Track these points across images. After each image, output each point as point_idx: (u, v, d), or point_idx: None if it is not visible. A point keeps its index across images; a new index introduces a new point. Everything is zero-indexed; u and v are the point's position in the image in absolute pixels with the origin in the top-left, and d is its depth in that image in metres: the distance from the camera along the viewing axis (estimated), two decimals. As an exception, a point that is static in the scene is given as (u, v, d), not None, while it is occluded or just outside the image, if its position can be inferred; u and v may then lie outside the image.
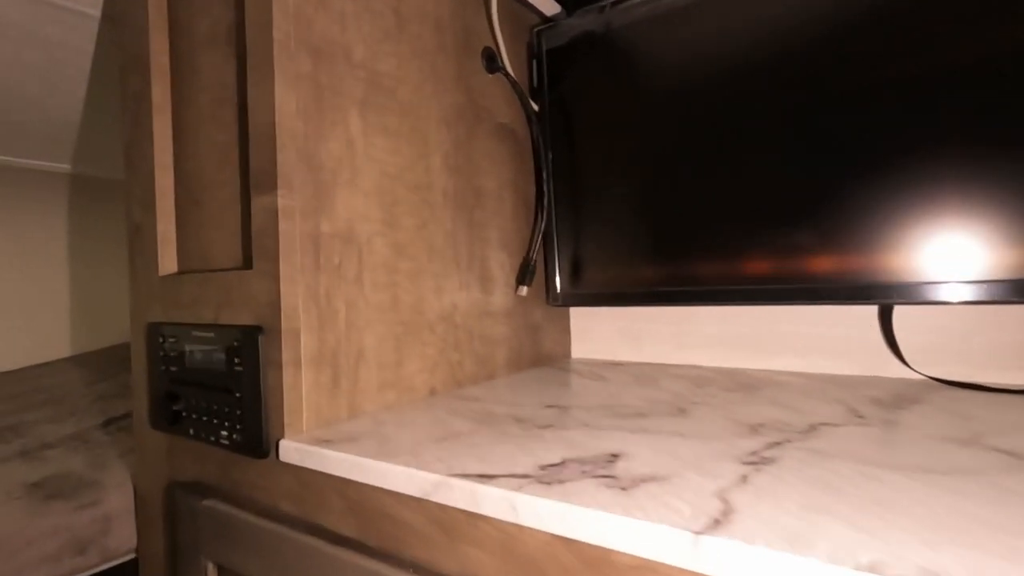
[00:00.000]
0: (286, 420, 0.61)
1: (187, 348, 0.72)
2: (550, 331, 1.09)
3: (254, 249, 0.63)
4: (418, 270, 0.78)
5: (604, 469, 0.47)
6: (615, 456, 0.50)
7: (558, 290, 1.03)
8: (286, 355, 0.61)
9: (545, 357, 1.07)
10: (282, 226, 0.61)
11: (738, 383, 0.81)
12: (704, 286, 0.87)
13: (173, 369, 0.74)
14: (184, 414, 0.72)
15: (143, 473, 0.82)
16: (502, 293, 0.95)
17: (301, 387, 0.62)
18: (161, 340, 0.75)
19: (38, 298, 2.05)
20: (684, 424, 0.60)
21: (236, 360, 0.65)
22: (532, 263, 0.96)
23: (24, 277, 2.02)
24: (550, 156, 0.99)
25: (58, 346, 2.10)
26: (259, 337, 0.62)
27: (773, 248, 0.81)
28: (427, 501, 0.49)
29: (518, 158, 1.00)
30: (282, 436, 0.61)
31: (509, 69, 0.95)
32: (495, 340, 0.93)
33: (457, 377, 0.84)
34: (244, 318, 0.65)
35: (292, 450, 0.58)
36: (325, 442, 0.58)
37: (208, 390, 0.69)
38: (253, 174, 0.63)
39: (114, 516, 0.83)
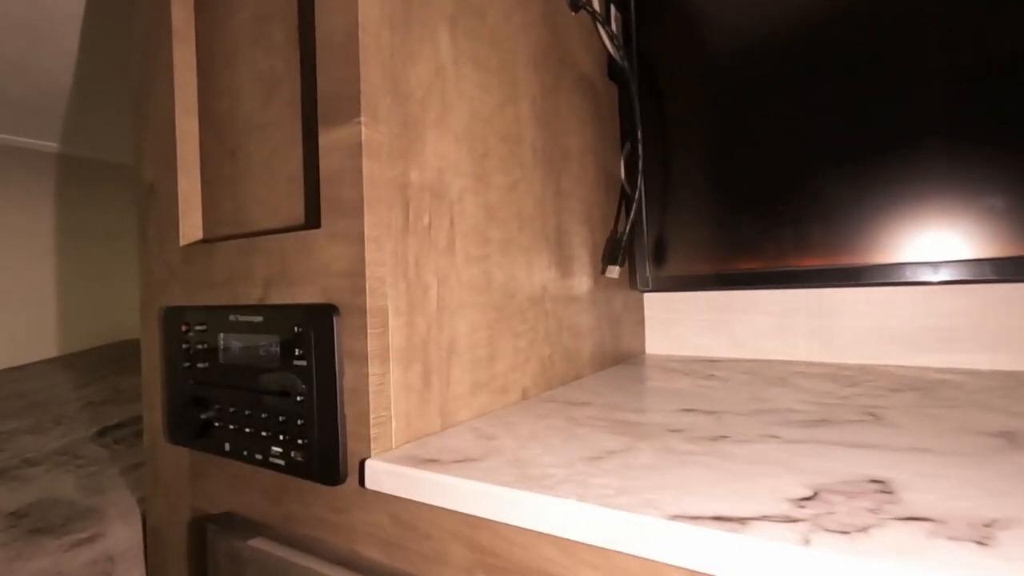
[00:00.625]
0: (373, 433, 0.44)
1: (221, 339, 0.55)
2: (627, 323, 0.93)
3: (323, 202, 0.47)
4: (508, 241, 0.62)
5: (893, 505, 0.31)
6: (880, 483, 0.35)
7: (647, 272, 0.88)
8: (372, 344, 0.45)
9: (624, 353, 0.91)
10: (367, 167, 0.44)
11: (900, 383, 0.66)
12: (832, 264, 0.72)
13: (201, 366, 0.57)
14: (216, 425, 0.55)
15: (156, 501, 0.65)
16: (586, 275, 0.79)
17: (390, 388, 0.46)
18: (184, 329, 0.58)
19: (18, 293, 1.85)
20: (904, 435, 0.45)
21: (297, 352, 0.48)
22: (623, 240, 0.81)
23: (2, 269, 1.81)
24: (640, 115, 0.83)
25: (41, 346, 1.89)
26: (334, 319, 0.46)
27: (932, 215, 0.66)
28: (622, 555, 0.33)
29: (598, 119, 0.85)
30: (367, 455, 0.45)
31: (596, 5, 0.79)
32: (581, 332, 0.77)
33: (548, 376, 0.68)
34: (307, 295, 0.48)
35: (385, 474, 0.42)
36: (430, 463, 0.41)
37: (252, 393, 0.52)
38: (323, 100, 0.47)
39: (118, 556, 0.66)
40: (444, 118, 0.53)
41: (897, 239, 0.69)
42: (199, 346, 0.57)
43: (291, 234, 0.50)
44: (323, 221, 0.47)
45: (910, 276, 0.68)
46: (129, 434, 1.06)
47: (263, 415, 0.51)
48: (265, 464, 0.51)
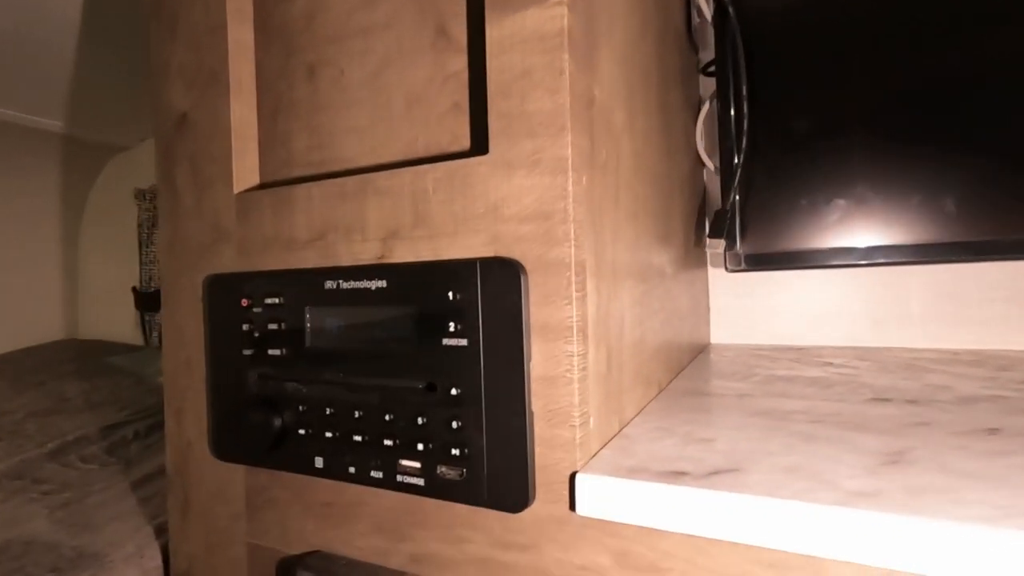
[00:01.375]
0: (579, 436, 0.32)
1: (309, 315, 0.40)
2: (701, 307, 0.84)
3: (494, 118, 0.34)
4: (646, 199, 0.50)
5: None
6: None
7: (737, 248, 0.78)
8: (578, 312, 0.32)
9: (698, 343, 0.82)
10: (570, 65, 0.32)
11: (1058, 363, 0.60)
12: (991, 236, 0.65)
13: (274, 354, 0.42)
14: (301, 433, 0.40)
15: (188, 537, 0.48)
16: (681, 249, 0.69)
17: (589, 375, 0.33)
18: (246, 304, 0.43)
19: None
20: None
21: (453, 327, 0.34)
22: (730, 208, 0.71)
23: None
24: (742, 62, 0.74)
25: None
26: (521, 279, 0.32)
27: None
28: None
29: (683, 70, 0.75)
30: (568, 466, 0.32)
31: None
32: (683, 315, 0.67)
33: (670, 364, 0.57)
34: (462, 248, 0.35)
35: (612, 493, 0.29)
36: (674, 475, 0.29)
37: (367, 388, 0.38)
38: (494, -24, 0.33)
39: None
40: (612, 28, 0.41)
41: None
42: (271, 326, 0.42)
43: (432, 166, 0.36)
44: (493, 145, 0.34)
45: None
46: (99, 451, 0.86)
47: (387, 417, 0.37)
48: (389, 485, 0.37)
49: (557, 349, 0.32)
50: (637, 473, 0.30)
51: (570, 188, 0.32)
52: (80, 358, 1.65)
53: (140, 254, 1.72)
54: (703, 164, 0.82)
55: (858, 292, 0.83)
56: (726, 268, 0.80)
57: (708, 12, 0.77)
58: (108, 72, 1.29)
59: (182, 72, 0.47)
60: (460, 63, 0.38)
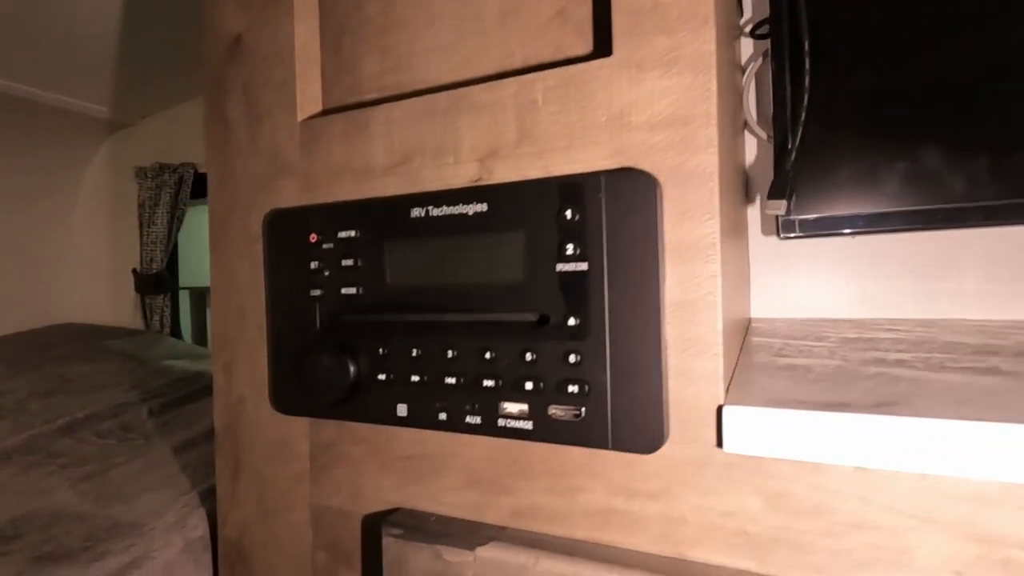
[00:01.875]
0: (721, 367, 0.28)
1: (389, 249, 0.36)
2: (745, 278, 0.81)
3: (619, 15, 0.30)
4: (729, 135, 0.47)
5: None
6: None
7: (789, 212, 0.75)
8: (724, 227, 0.29)
9: (745, 316, 0.79)
10: (714, -49, 0.28)
11: None
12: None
13: (348, 293, 0.38)
14: (380, 379, 0.36)
15: (239, 502, 0.44)
16: (733, 212, 0.66)
17: (719, 295, 0.30)
18: (314, 240, 0.39)
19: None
20: None
21: (570, 250, 0.31)
22: (792, 158, 0.68)
23: None
24: (804, 24, 0.71)
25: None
26: (657, 192, 0.29)
27: None
28: None
29: (731, 29, 0.72)
30: (711, 400, 0.28)
31: None
32: (735, 282, 0.64)
33: (740, 326, 0.54)
34: (577, 162, 0.31)
35: (769, 427, 0.26)
36: (833, 406, 0.26)
37: (462, 326, 0.34)
38: None
39: None
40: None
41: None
42: (345, 262, 0.38)
43: (541, 74, 0.32)
44: (618, 46, 0.30)
45: None
46: (114, 427, 0.81)
47: (487, 355, 0.33)
48: (488, 431, 0.33)
49: (697, 270, 0.29)
50: (797, 404, 0.27)
51: (714, 88, 0.28)
52: (76, 342, 1.59)
53: (141, 235, 1.66)
54: (746, 131, 0.79)
55: (905, 264, 0.81)
56: (778, 235, 0.77)
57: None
58: (111, 40, 1.23)
59: (235, -9, 0.43)
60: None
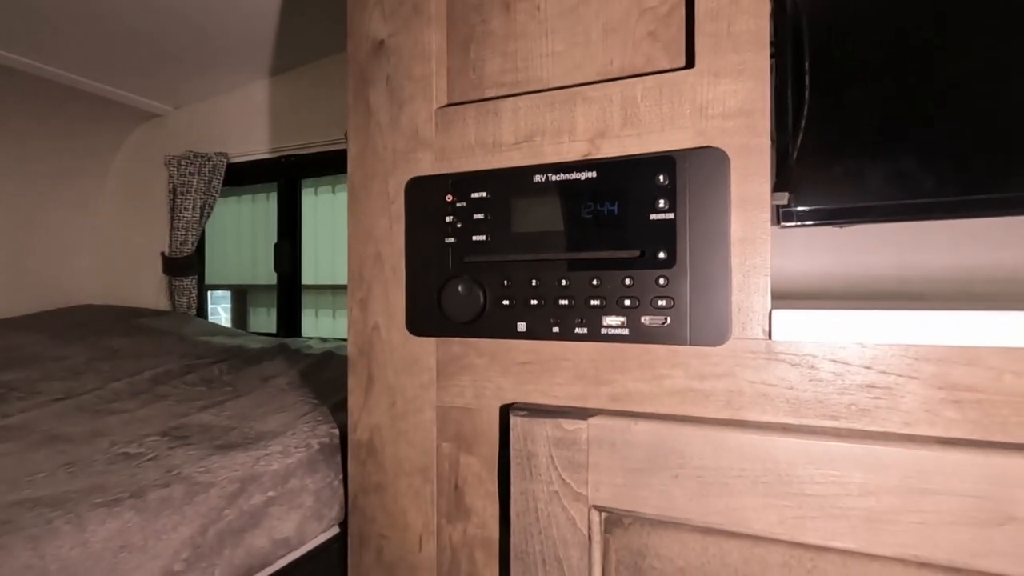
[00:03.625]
0: (768, 284, 0.41)
1: (517, 204, 0.48)
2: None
3: (702, 38, 0.43)
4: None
5: None
6: None
7: (789, 204, 0.89)
8: (763, 189, 0.41)
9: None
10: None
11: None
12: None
13: (479, 239, 0.50)
14: (505, 304, 0.48)
15: (369, 409, 0.55)
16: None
17: (769, 236, 0.42)
18: (450, 200, 0.51)
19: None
20: None
21: (662, 204, 0.43)
22: (793, 158, 0.82)
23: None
24: (807, 44, 0.85)
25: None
26: (729, 162, 0.42)
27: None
28: None
29: None
30: (760, 307, 0.41)
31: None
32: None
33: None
34: (667, 142, 0.44)
35: (808, 322, 0.39)
36: (852, 303, 0.39)
37: (574, 261, 0.46)
38: (705, -73, 0.43)
39: (319, 464, 0.55)
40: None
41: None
42: (476, 216, 0.50)
43: (641, 79, 0.45)
44: (700, 59, 0.43)
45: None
46: (196, 380, 0.90)
47: (593, 282, 0.45)
48: (593, 337, 0.45)
49: (754, 217, 0.41)
50: (820, 306, 0.39)
51: (767, 92, 0.41)
52: (106, 319, 1.66)
53: (172, 220, 1.74)
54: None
55: (884, 250, 0.95)
56: (779, 224, 0.91)
57: (773, -4, 0.87)
58: (160, 34, 1.32)
59: (381, 5, 0.55)
60: (655, 0, 0.47)
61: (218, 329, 1.60)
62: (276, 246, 1.68)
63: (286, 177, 1.68)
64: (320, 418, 0.62)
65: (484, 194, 0.50)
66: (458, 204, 0.51)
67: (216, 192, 1.70)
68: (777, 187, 0.83)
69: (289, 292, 1.68)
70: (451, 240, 0.51)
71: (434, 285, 0.51)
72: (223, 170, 1.69)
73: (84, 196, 1.92)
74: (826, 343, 0.39)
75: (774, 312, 0.40)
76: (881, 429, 0.38)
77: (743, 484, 0.39)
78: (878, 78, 0.86)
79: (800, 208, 0.89)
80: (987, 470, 0.34)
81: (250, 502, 0.47)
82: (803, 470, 0.38)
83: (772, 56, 0.92)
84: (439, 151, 0.52)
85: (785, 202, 0.85)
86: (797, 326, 0.39)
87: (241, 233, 1.98)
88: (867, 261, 0.96)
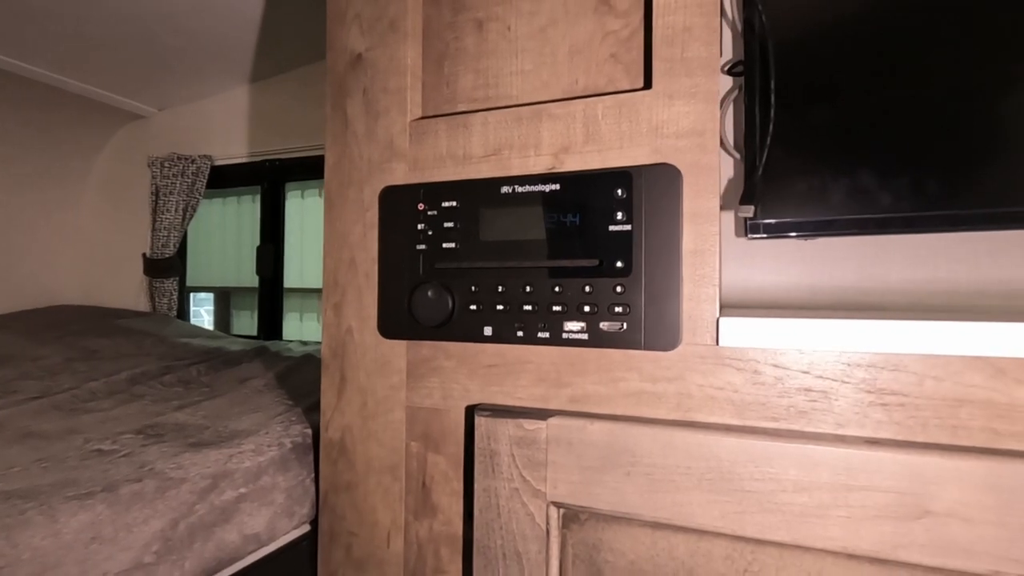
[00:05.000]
0: (718, 294, 0.44)
1: (485, 214, 0.51)
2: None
3: (658, 62, 0.46)
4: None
5: None
6: None
7: (756, 216, 0.93)
8: (712, 204, 0.44)
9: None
10: (719, 24, 0.44)
11: None
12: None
13: (448, 247, 0.52)
14: (472, 309, 0.50)
15: (342, 409, 0.57)
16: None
17: (718, 248, 0.45)
18: (421, 208, 0.53)
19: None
20: None
21: (619, 216, 0.46)
22: (759, 172, 0.85)
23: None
24: (772, 66, 0.89)
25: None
26: (680, 178, 0.44)
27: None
28: (1064, 368, 0.36)
29: (719, 70, 0.89)
30: (709, 315, 0.44)
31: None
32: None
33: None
34: (625, 158, 0.46)
35: (752, 329, 0.42)
36: (793, 313, 0.42)
37: (537, 268, 0.48)
38: (662, -41, 0.46)
39: (289, 463, 0.56)
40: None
41: None
42: (446, 224, 0.52)
43: (601, 98, 0.48)
44: (656, 82, 0.46)
45: None
46: (174, 380, 0.91)
47: (556, 289, 0.48)
48: (555, 342, 0.47)
49: (704, 230, 0.44)
50: (764, 315, 0.42)
51: (718, 113, 0.44)
52: (85, 320, 1.65)
53: (153, 221, 1.74)
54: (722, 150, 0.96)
55: (846, 262, 0.99)
56: (746, 235, 0.95)
57: (739, 22, 0.91)
58: (147, 37, 1.33)
59: (359, 20, 0.57)
60: (618, 24, 0.49)
61: (198, 331, 1.60)
62: (258, 249, 1.69)
63: (269, 181, 1.69)
64: (294, 418, 0.64)
65: (454, 203, 0.52)
66: (429, 213, 0.53)
67: (199, 194, 1.70)
68: (743, 200, 0.87)
69: (271, 295, 1.69)
70: (422, 247, 0.53)
71: (405, 290, 0.53)
72: (207, 172, 1.70)
73: (66, 196, 1.91)
74: (769, 349, 0.42)
75: (721, 320, 0.43)
76: (816, 430, 0.41)
77: (689, 481, 0.42)
78: (840, 97, 0.90)
79: (766, 221, 0.93)
80: (907, 468, 0.37)
81: (221, 498, 0.49)
82: (743, 468, 0.40)
83: (741, 74, 0.96)
84: (412, 162, 0.54)
85: (751, 215, 0.89)
86: (742, 333, 0.42)
87: (226, 235, 1.98)
88: (831, 273, 1.00)
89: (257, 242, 1.72)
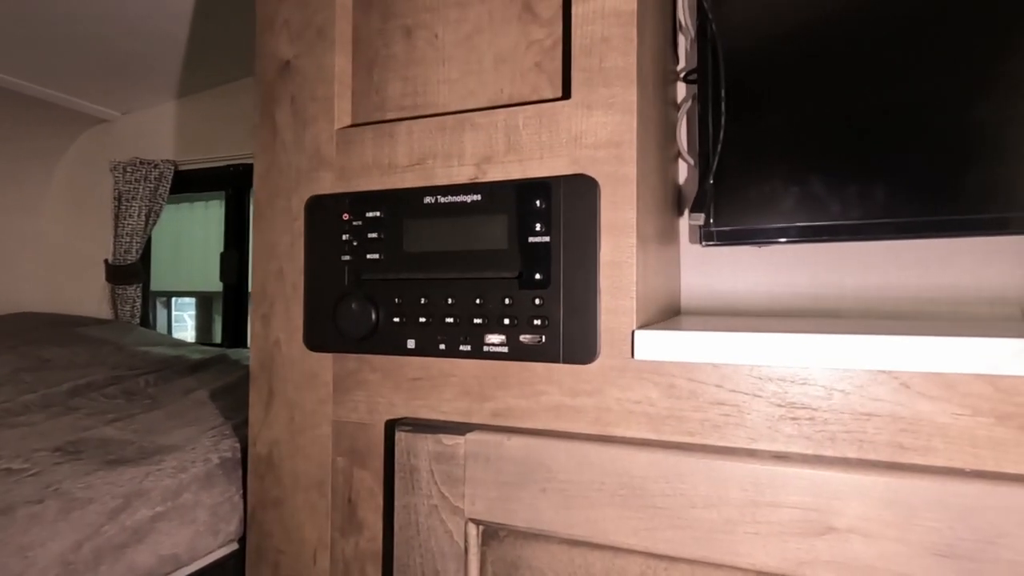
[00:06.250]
0: (635, 306, 0.43)
1: (407, 225, 0.50)
2: (675, 276, 0.98)
3: (577, 72, 0.45)
4: (656, 159, 0.63)
5: None
6: None
7: (710, 223, 0.93)
8: (640, 215, 0.44)
9: (675, 305, 0.95)
10: (637, 36, 0.44)
11: None
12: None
13: (372, 258, 0.51)
14: (396, 321, 0.49)
15: (269, 423, 0.56)
16: (666, 223, 0.82)
17: (635, 259, 0.45)
18: (346, 219, 0.52)
19: None
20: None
21: (538, 227, 0.45)
22: (709, 189, 0.85)
23: None
24: (723, 74, 0.89)
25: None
26: (597, 189, 0.44)
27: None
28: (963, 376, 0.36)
29: (668, 74, 0.89)
30: (626, 328, 0.43)
31: (693, -31, 0.84)
32: (667, 274, 0.80)
33: (668, 308, 0.70)
34: (546, 168, 0.46)
35: (667, 342, 0.41)
36: (709, 326, 0.41)
37: (459, 280, 0.48)
38: (581, -32, 0.45)
39: (215, 479, 0.55)
40: (651, 18, 0.53)
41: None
42: (371, 235, 0.51)
43: (522, 108, 0.47)
44: (575, 92, 0.45)
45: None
46: (118, 392, 0.89)
47: (477, 301, 0.47)
48: (477, 355, 0.47)
49: (622, 242, 0.44)
50: (678, 328, 0.42)
51: (635, 124, 0.43)
52: (45, 328, 1.62)
53: (116, 227, 1.70)
54: (679, 158, 0.96)
55: (801, 269, 0.99)
56: (701, 243, 0.95)
57: (692, 29, 0.92)
58: (107, 39, 1.30)
59: (288, 26, 0.56)
60: (542, 33, 0.49)
61: (161, 339, 1.56)
62: (222, 255, 1.66)
63: (233, 186, 1.66)
64: (227, 432, 0.62)
65: (379, 214, 0.51)
66: (354, 223, 0.52)
67: (163, 199, 1.67)
68: (694, 208, 0.87)
69: (235, 301, 1.66)
70: (347, 258, 0.52)
71: (330, 302, 0.52)
72: (170, 177, 1.67)
73: (27, 201, 1.87)
74: (684, 363, 0.42)
75: (636, 333, 0.42)
76: (730, 444, 0.41)
77: (603, 497, 0.41)
78: (789, 105, 0.90)
79: (719, 228, 0.93)
80: (812, 483, 0.36)
81: (134, 517, 0.47)
82: (655, 484, 0.40)
83: (695, 82, 0.96)
84: (339, 171, 0.53)
85: (702, 223, 0.89)
86: (657, 347, 0.42)
87: (209, 239, 1.96)
88: (788, 279, 1.00)
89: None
